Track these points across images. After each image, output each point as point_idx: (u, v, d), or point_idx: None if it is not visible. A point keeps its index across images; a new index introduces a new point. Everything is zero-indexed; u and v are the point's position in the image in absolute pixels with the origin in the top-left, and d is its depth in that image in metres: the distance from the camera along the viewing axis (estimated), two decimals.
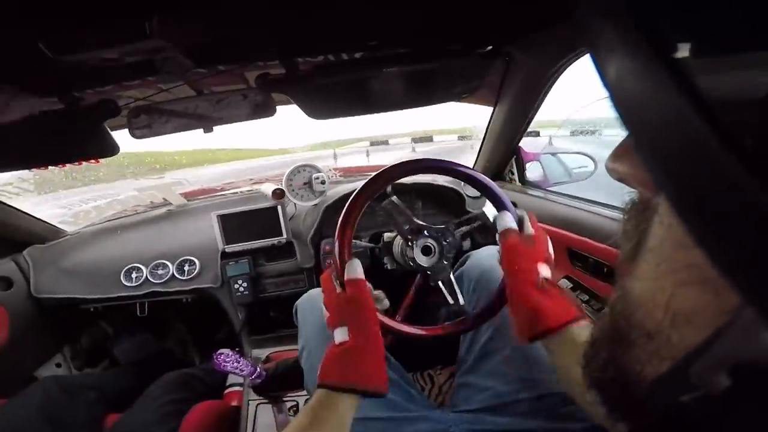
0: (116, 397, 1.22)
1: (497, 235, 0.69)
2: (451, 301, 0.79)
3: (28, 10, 0.32)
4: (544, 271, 0.61)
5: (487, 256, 0.89)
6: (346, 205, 0.68)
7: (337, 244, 0.66)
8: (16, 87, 0.49)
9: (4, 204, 1.26)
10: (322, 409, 0.51)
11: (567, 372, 0.55)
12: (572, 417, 0.61)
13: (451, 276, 0.82)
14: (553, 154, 1.41)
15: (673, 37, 0.13)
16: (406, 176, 0.81)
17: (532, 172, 1.36)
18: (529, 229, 0.67)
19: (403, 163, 0.80)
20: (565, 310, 0.57)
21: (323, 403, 0.52)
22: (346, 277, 0.61)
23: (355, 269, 0.61)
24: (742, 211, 0.12)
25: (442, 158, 0.78)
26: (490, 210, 1.32)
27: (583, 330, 0.55)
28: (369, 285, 0.64)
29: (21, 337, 1.31)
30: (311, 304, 0.89)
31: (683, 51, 0.13)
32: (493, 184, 0.76)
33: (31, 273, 1.36)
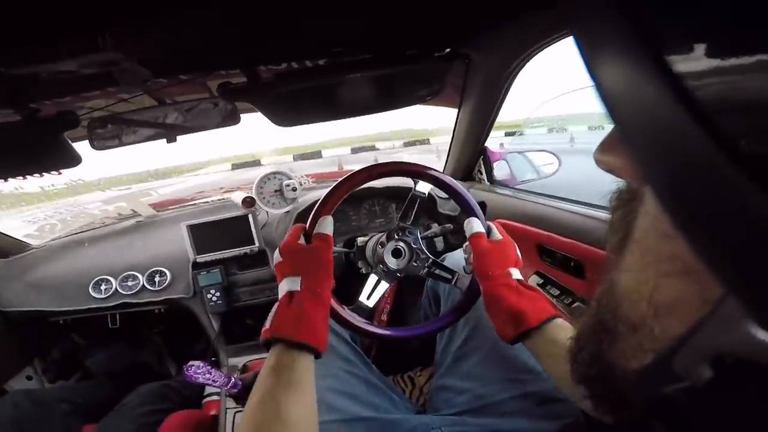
0: (90, 408, 1.20)
1: (467, 242, 0.71)
2: (449, 276, 0.77)
3: None
4: (516, 274, 0.64)
5: (461, 258, 0.91)
6: (311, 216, 0.68)
7: (316, 207, 0.65)
8: None
9: None
10: (283, 369, 0.50)
11: (553, 365, 0.56)
12: (553, 415, 0.62)
13: (433, 259, 0.82)
14: (520, 153, 1.46)
15: (661, 29, 0.13)
16: (376, 179, 0.82)
17: (500, 171, 1.40)
18: (497, 234, 0.70)
19: (374, 166, 0.82)
20: (543, 308, 0.59)
21: (283, 363, 0.51)
22: (316, 230, 0.61)
23: (327, 226, 0.62)
24: (724, 202, 0.12)
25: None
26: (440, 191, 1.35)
27: (560, 325, 0.58)
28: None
29: None
30: None
31: (670, 43, 0.13)
32: (462, 189, 0.78)
33: None
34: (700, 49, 0.13)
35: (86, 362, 1.57)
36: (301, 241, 0.61)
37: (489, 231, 0.72)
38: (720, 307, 0.15)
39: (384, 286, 0.78)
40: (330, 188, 0.68)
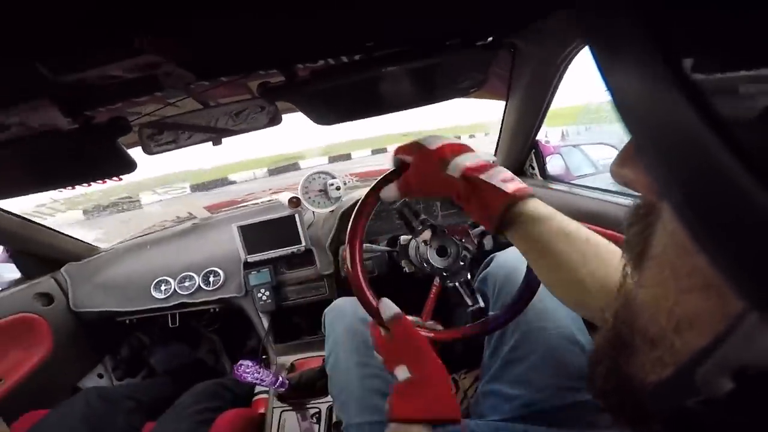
0: (153, 406, 1.28)
1: None
2: (469, 303, 0.77)
3: (17, 36, 0.34)
4: (465, 161, 0.54)
5: (513, 257, 0.87)
6: (354, 211, 0.67)
7: (354, 287, 0.66)
8: (35, 107, 0.52)
9: (37, 224, 1.35)
10: None
11: (543, 254, 0.49)
12: (601, 425, 0.59)
13: (469, 276, 0.80)
14: (575, 146, 1.37)
15: (680, 42, 0.13)
16: None
17: (554, 165, 1.32)
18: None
19: None
20: (501, 197, 0.51)
21: None
22: (384, 319, 0.62)
23: (389, 307, 0.62)
24: (743, 216, 0.12)
25: None
26: None
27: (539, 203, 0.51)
28: (409, 318, 0.65)
29: (63, 349, 1.39)
30: (339, 312, 0.91)
31: (689, 57, 0.13)
32: None
33: (69, 289, 1.45)
34: (719, 59, 0.13)
35: (150, 360, 1.69)
36: (382, 329, 0.63)
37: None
38: (742, 321, 0.15)
39: (468, 281, 0.79)
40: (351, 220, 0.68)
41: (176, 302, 1.40)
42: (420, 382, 0.56)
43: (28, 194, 0.77)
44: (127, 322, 1.49)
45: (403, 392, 0.56)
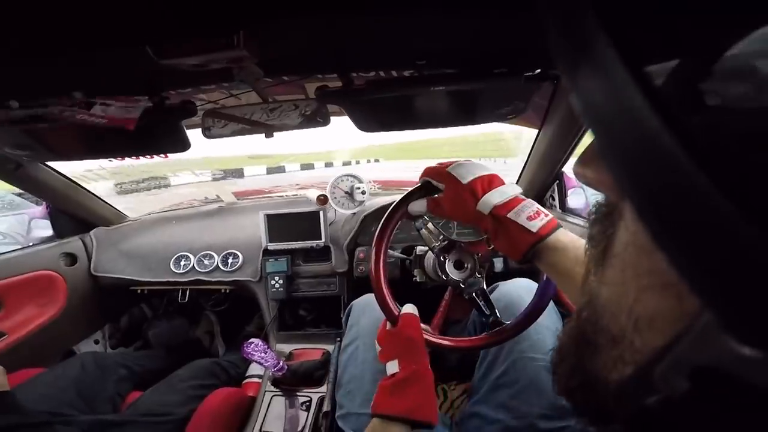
0: (143, 377, 1.32)
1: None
2: (487, 312, 0.78)
3: (140, 18, 0.40)
4: (494, 198, 0.59)
5: (516, 288, 0.90)
6: (384, 215, 0.71)
7: (374, 287, 0.70)
8: (115, 85, 0.58)
9: (81, 186, 1.41)
10: None
11: (566, 277, 0.53)
12: None
13: (485, 286, 0.82)
14: None
15: (635, 41, 0.13)
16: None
17: (574, 199, 1.34)
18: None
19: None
20: (526, 236, 0.56)
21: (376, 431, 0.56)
22: (400, 312, 0.67)
23: (410, 306, 0.68)
24: (701, 215, 0.12)
25: None
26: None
27: (561, 234, 0.55)
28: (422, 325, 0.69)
29: (73, 311, 1.43)
30: (367, 306, 0.95)
31: (646, 55, 0.13)
32: None
33: (94, 252, 1.50)
34: (677, 60, 0.13)
35: (148, 333, 1.72)
36: (389, 325, 0.68)
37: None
38: (697, 320, 0.15)
39: (485, 292, 0.80)
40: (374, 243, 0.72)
41: (193, 278, 1.44)
42: (406, 380, 0.59)
43: (84, 159, 0.83)
44: (139, 291, 1.53)
45: (389, 389, 0.59)
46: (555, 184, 1.32)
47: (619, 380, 0.21)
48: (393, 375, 0.60)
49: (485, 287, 0.80)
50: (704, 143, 0.12)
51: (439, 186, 0.64)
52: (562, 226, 0.58)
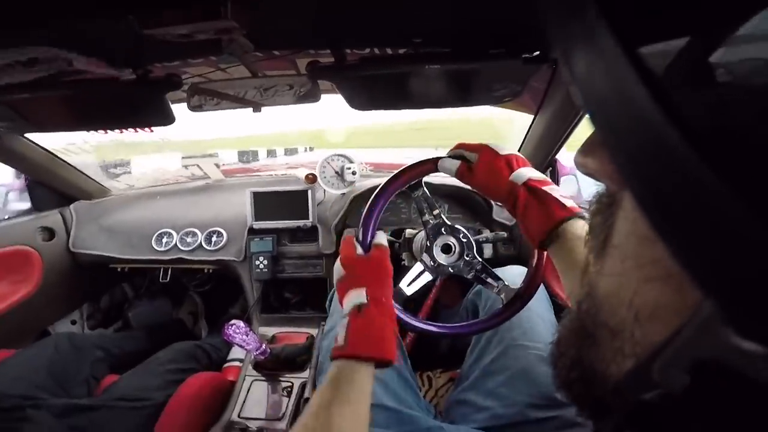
0: (121, 359, 1.28)
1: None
2: (495, 285, 0.77)
3: None
4: (529, 173, 0.60)
5: (512, 276, 0.89)
6: (383, 182, 0.71)
7: (366, 210, 0.68)
8: (100, 57, 0.54)
9: (61, 159, 1.35)
10: (343, 382, 0.50)
11: (576, 270, 0.52)
12: None
13: (484, 266, 0.81)
14: None
15: (636, 28, 0.13)
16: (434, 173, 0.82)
17: (567, 186, 1.34)
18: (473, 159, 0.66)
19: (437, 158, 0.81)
20: (561, 209, 0.55)
21: (344, 376, 0.51)
22: (375, 241, 0.64)
23: (383, 237, 0.66)
24: (702, 206, 0.12)
25: None
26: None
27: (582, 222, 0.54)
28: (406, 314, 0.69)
29: (48, 289, 1.37)
30: None
31: (647, 43, 0.13)
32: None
33: (73, 227, 1.44)
34: (677, 47, 0.13)
35: (129, 313, 1.67)
36: (359, 251, 0.63)
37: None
38: (698, 313, 0.15)
39: (426, 278, 0.78)
40: (390, 176, 0.71)
41: (174, 256, 1.40)
42: (376, 316, 0.54)
43: (66, 131, 0.79)
44: (119, 269, 1.48)
45: (364, 325, 0.54)
46: (548, 171, 1.32)
47: (618, 373, 0.21)
48: (360, 307, 0.55)
49: (485, 263, 0.77)
50: (705, 130, 0.12)
51: (471, 157, 0.64)
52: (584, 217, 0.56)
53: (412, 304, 1.10)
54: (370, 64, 0.73)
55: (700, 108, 0.13)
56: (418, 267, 0.78)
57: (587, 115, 0.16)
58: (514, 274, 0.91)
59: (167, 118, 0.76)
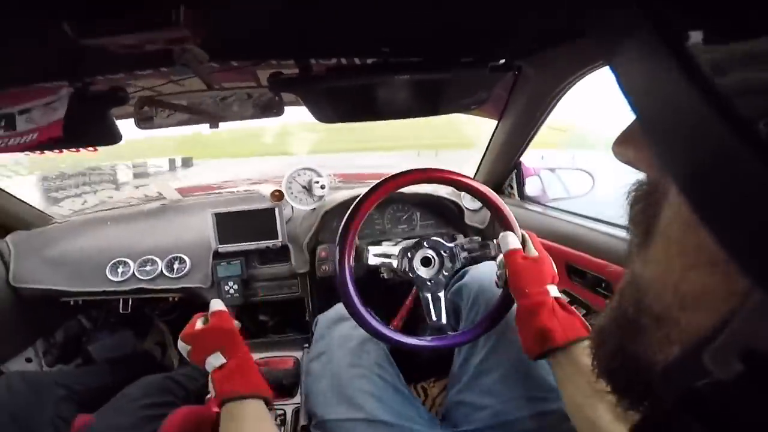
0: (87, 395, 1.17)
1: (500, 256, 0.70)
2: (433, 318, 0.78)
3: None
4: (553, 291, 0.64)
5: (487, 271, 0.90)
6: (348, 212, 0.70)
7: (338, 249, 0.71)
8: (27, 69, 0.48)
9: None
10: (235, 420, 0.58)
11: (572, 391, 0.56)
12: None
13: (441, 294, 0.81)
14: (552, 170, 1.43)
15: (679, 20, 0.13)
16: (411, 185, 0.81)
17: (532, 187, 1.37)
18: (533, 249, 0.69)
19: (409, 171, 0.80)
20: (573, 329, 0.59)
21: (234, 414, 0.59)
22: (210, 311, 0.72)
23: (217, 305, 0.73)
24: (745, 189, 0.11)
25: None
26: (468, 201, 1.34)
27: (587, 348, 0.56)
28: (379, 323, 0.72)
29: None
30: (336, 317, 0.93)
31: (689, 34, 0.13)
32: (501, 202, 0.77)
33: (12, 260, 1.30)
34: (717, 35, 0.13)
35: (89, 347, 1.54)
36: (199, 324, 0.71)
37: (524, 242, 0.72)
38: (749, 299, 0.15)
39: (440, 297, 0.79)
40: (346, 217, 0.73)
41: (134, 287, 1.29)
42: (236, 366, 0.63)
43: None
44: (72, 303, 1.36)
45: (226, 375, 0.62)
46: (513, 173, 1.34)
47: (664, 361, 0.21)
48: (222, 366, 0.63)
49: (443, 294, 0.79)
50: (748, 114, 0.11)
51: (530, 249, 0.71)
52: None
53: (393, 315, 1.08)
54: (338, 75, 0.70)
55: (743, 91, 0.12)
56: (426, 297, 0.79)
57: (628, 106, 0.15)
58: (488, 270, 0.91)
59: (113, 137, 0.69)
